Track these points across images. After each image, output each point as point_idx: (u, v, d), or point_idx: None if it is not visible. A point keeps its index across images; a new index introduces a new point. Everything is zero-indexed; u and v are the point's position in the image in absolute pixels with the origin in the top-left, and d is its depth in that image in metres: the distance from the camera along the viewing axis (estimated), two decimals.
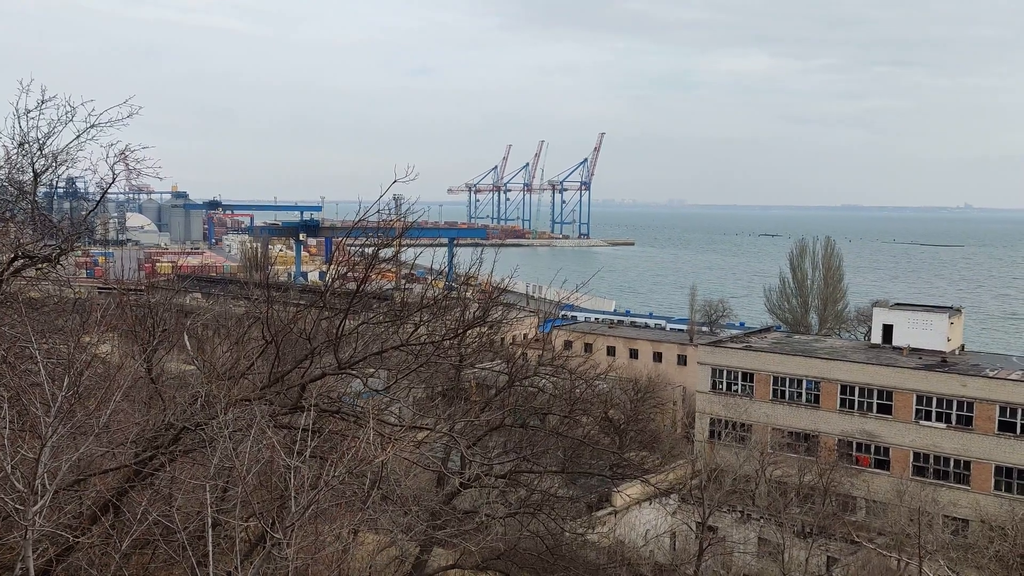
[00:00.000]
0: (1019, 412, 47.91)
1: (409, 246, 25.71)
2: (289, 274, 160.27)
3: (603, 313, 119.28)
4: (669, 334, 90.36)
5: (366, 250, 18.39)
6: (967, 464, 49.34)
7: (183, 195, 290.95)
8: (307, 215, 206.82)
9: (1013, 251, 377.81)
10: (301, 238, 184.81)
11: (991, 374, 50.65)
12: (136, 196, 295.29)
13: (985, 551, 33.09)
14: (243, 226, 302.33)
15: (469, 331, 23.27)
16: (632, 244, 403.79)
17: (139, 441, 14.37)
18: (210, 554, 10.97)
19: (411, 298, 23.36)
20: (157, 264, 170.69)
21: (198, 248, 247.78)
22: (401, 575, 23.55)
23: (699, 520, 41.44)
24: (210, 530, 11.16)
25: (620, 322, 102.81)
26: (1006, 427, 48.23)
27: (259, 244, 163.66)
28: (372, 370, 18.44)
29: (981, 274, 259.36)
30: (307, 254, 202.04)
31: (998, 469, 48.48)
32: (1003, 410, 48.40)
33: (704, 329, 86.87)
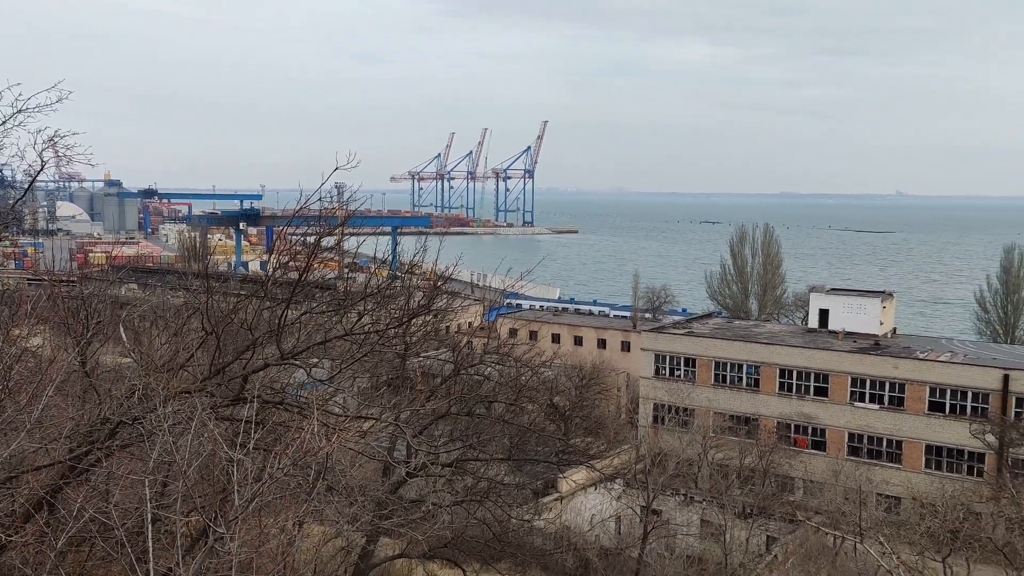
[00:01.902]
0: (948, 393, 49.71)
1: (352, 235, 25.39)
2: (229, 264, 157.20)
3: (548, 301, 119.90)
4: (613, 321, 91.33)
5: (308, 239, 18.12)
6: (899, 444, 51.04)
7: (116, 183, 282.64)
8: (247, 204, 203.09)
9: (941, 237, 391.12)
10: (241, 227, 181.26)
11: (921, 356, 52.41)
12: (67, 184, 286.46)
13: (917, 527, 34.29)
14: (180, 215, 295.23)
15: (414, 320, 23.14)
16: (576, 232, 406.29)
17: (74, 436, 13.94)
18: (150, 550, 10.71)
19: (355, 287, 23.12)
20: (90, 254, 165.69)
21: (133, 238, 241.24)
22: (348, 566, 23.39)
23: (643, 504, 42.08)
24: (150, 526, 10.90)
25: (565, 310, 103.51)
26: (935, 407, 49.99)
27: (197, 233, 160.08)
28: (316, 360, 18.21)
29: (911, 260, 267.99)
30: (248, 243, 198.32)
31: (928, 448, 50.27)
32: (932, 391, 50.14)
33: (647, 316, 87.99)
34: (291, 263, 18.33)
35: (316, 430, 13.59)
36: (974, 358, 52.76)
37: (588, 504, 48.72)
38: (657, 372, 59.23)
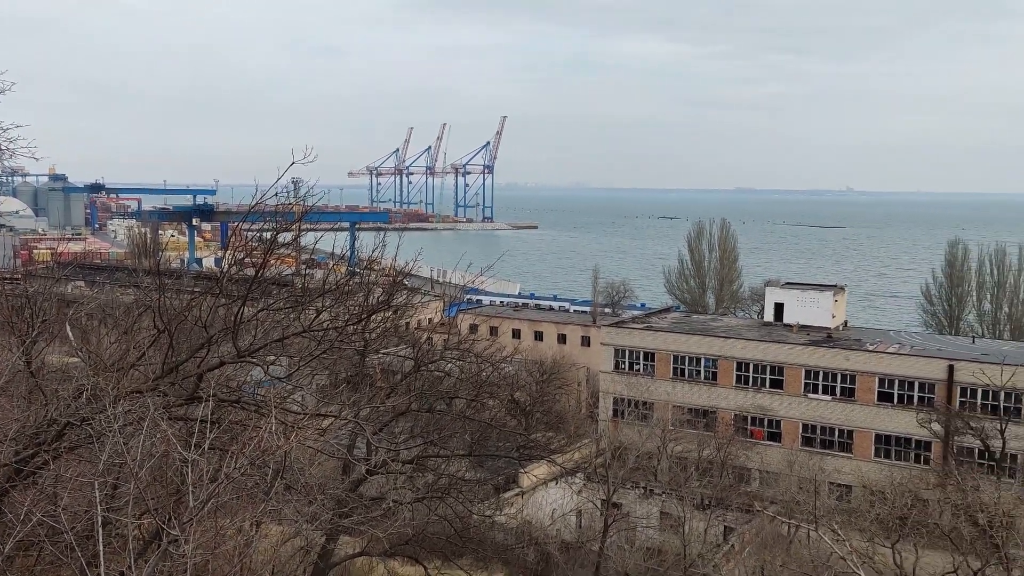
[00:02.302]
0: (896, 383, 50.86)
1: (309, 230, 25.12)
2: (182, 261, 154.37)
3: (508, 296, 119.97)
4: (573, 316, 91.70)
5: (264, 235, 17.82)
6: (850, 433, 52.10)
7: (62, 177, 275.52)
8: (200, 199, 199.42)
9: (890, 232, 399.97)
10: (194, 223, 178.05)
11: (871, 348, 53.54)
12: (9, 178, 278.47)
13: (867, 515, 35.00)
14: (130, 210, 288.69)
15: (373, 316, 22.94)
16: (535, 227, 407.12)
17: (19, 438, 13.52)
18: (100, 554, 10.44)
19: (313, 283, 22.83)
20: (34, 251, 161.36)
21: (80, 234, 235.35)
22: (307, 565, 23.12)
23: (604, 497, 42.33)
24: (100, 529, 10.62)
25: (525, 305, 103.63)
26: (884, 397, 51.13)
27: (148, 229, 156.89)
28: (273, 357, 17.92)
29: (861, 254, 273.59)
30: (201, 240, 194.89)
31: (878, 437, 51.40)
32: (882, 381, 51.27)
33: (607, 310, 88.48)
34: (247, 259, 18.01)
35: (274, 428, 13.37)
36: (921, 349, 54.03)
37: (549, 498, 48.88)
38: (617, 366, 59.60)
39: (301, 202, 20.29)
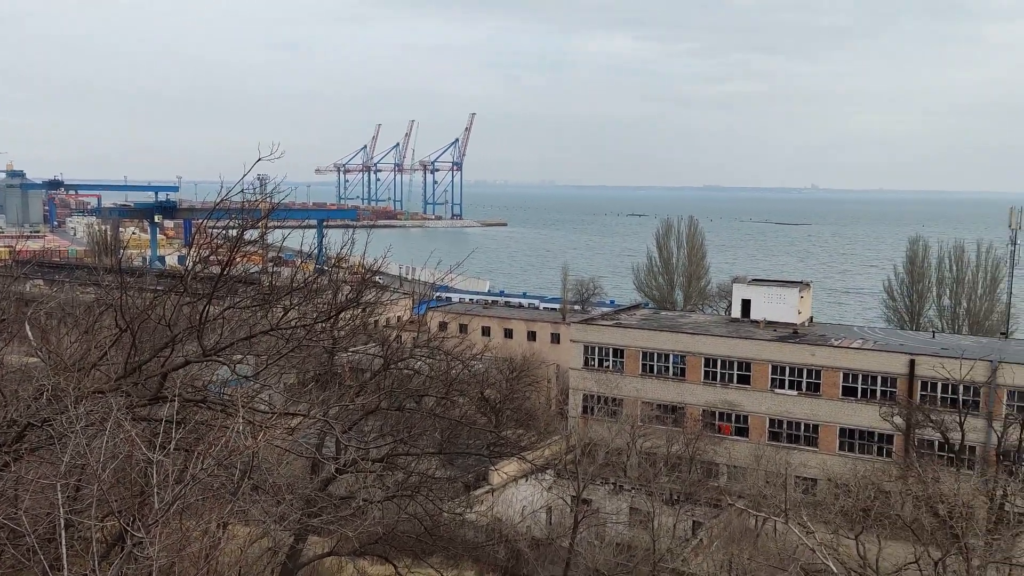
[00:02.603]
0: (859, 378, 51.67)
1: (276, 228, 24.88)
2: (144, 258, 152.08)
3: (477, 294, 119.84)
4: (542, 313, 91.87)
5: (230, 232, 17.61)
6: (815, 427, 52.84)
7: (19, 174, 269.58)
8: (163, 196, 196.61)
9: (854, 229, 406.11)
10: (157, 220, 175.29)
11: (836, 344, 54.33)
12: None
13: (832, 507, 35.52)
14: (90, 207, 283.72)
15: (342, 314, 22.79)
16: (505, 224, 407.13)
17: None
18: (63, 556, 10.26)
19: (280, 281, 22.60)
20: None
21: (38, 231, 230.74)
22: (275, 566, 22.92)
23: (574, 494, 42.49)
24: (63, 532, 10.43)
25: (495, 302, 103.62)
26: (848, 392, 51.93)
27: (108, 226, 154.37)
28: (240, 356, 17.72)
29: (825, 251, 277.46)
30: (164, 237, 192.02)
31: (842, 431, 52.19)
32: (846, 376, 52.06)
33: (576, 307, 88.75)
34: (212, 257, 17.78)
35: (241, 428, 13.23)
36: (883, 344, 54.94)
37: (519, 495, 48.96)
38: (586, 363, 59.84)
39: (267, 199, 20.08)
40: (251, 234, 17.85)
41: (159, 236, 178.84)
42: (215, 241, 18.84)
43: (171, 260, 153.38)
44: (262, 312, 17.95)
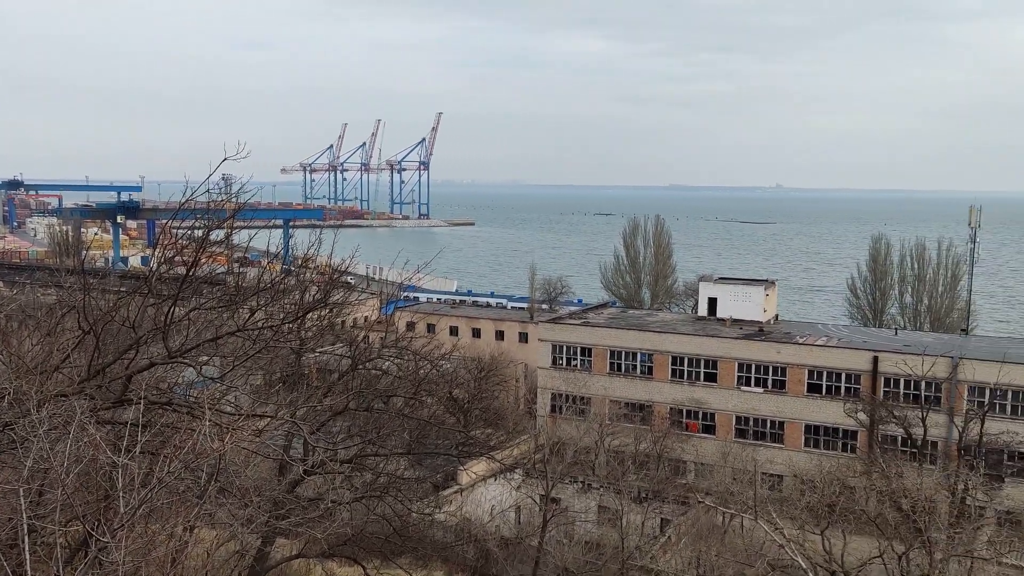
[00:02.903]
0: (824, 375, 52.44)
1: (242, 228, 24.62)
2: (107, 259, 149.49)
3: (445, 293, 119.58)
4: (510, 312, 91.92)
5: (195, 232, 17.40)
6: (781, 424, 53.52)
7: None
8: (126, 195, 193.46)
9: (818, 228, 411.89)
10: (120, 220, 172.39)
11: (801, 341, 55.06)
12: None
13: (798, 503, 36.02)
14: (50, 208, 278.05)
15: (309, 314, 22.62)
16: (472, 224, 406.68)
17: None
18: (26, 562, 10.07)
19: (246, 282, 22.35)
20: None
21: None
22: (242, 569, 22.67)
23: (543, 493, 42.56)
24: (26, 537, 10.23)
25: (462, 302, 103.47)
26: (814, 389, 52.66)
27: (70, 227, 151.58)
28: (206, 358, 17.52)
29: (790, 249, 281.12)
30: (127, 238, 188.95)
31: (807, 427, 52.92)
32: (811, 373, 52.80)
33: (544, 307, 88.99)
34: (177, 257, 17.56)
35: (208, 430, 13.08)
36: (847, 342, 55.79)
37: (488, 495, 48.96)
38: (554, 362, 60.00)
39: (233, 199, 19.87)
40: (217, 234, 17.63)
41: (122, 237, 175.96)
42: (180, 242, 18.61)
43: (135, 261, 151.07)
44: (228, 313, 17.76)
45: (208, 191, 16.52)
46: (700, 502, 39.41)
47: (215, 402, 15.85)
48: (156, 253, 18.67)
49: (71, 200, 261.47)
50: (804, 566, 24.82)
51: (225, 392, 18.88)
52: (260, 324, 17.07)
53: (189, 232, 18.21)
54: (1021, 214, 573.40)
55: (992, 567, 29.03)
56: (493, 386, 63.49)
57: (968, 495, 40.70)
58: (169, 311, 15.47)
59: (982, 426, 45.06)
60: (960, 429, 45.95)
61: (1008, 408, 47.69)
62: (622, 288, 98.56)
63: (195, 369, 16.34)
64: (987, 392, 47.03)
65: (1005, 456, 46.83)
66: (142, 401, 13.53)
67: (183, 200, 16.23)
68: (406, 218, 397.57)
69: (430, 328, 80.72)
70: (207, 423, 12.93)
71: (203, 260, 16.78)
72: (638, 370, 57.56)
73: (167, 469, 11.63)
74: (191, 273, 15.84)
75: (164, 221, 21.05)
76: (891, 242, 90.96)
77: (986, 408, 46.18)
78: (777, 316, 64.86)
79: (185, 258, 16.40)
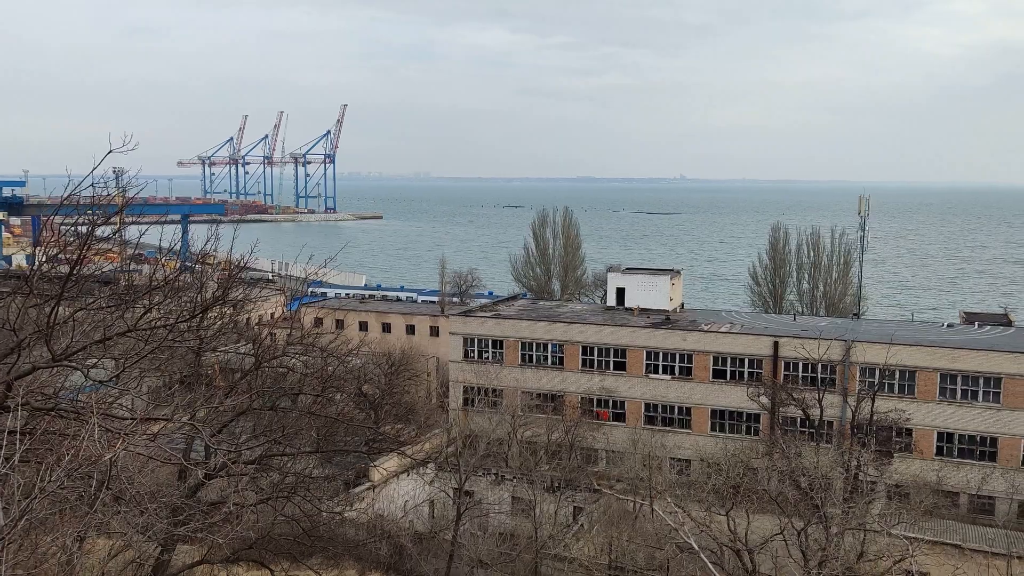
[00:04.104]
0: (728, 360, 54.08)
1: (132, 223, 23.50)
2: None
3: (354, 288, 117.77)
4: (421, 306, 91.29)
5: (81, 229, 16.50)
6: (688, 410, 54.93)
7: None
8: (8, 191, 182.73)
9: (720, 218, 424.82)
10: (2, 217, 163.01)
11: (706, 328, 56.58)
12: None
13: (704, 486, 37.05)
14: None
15: (208, 312, 21.80)
16: (380, 217, 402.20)
17: None
18: None
19: (140, 280, 21.39)
20: None
21: None
22: None
23: (456, 486, 42.47)
24: None
25: (372, 296, 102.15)
26: (718, 374, 54.23)
27: None
28: (94, 360, 16.63)
29: (693, 239, 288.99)
30: (10, 235, 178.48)
31: (713, 412, 54.48)
32: (716, 359, 54.34)
33: (455, 300, 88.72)
34: (61, 255, 16.65)
35: (96, 436, 12.40)
36: (749, 328, 57.64)
37: (401, 491, 48.52)
38: (466, 355, 59.89)
39: (122, 193, 18.94)
40: (105, 231, 16.76)
41: (5, 234, 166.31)
42: (65, 239, 17.64)
43: (18, 260, 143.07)
44: (119, 313, 16.92)
45: (92, 185, 15.68)
46: (597, 489, 40.08)
47: (106, 406, 15.09)
48: (39, 251, 17.63)
49: None
50: (695, 547, 25.65)
51: (118, 396, 18.00)
52: (153, 323, 16.31)
53: (74, 228, 17.27)
54: (907, 203, 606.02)
55: (883, 539, 30.52)
56: (404, 381, 62.93)
57: (860, 471, 42.67)
58: (52, 312, 14.62)
59: (872, 405, 47.28)
60: (853, 408, 48.12)
61: (896, 387, 50.25)
62: (532, 280, 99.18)
63: (82, 372, 15.50)
64: (877, 372, 49.42)
65: (893, 433, 49.33)
66: (23, 408, 12.72)
67: (65, 195, 15.35)
68: (312, 212, 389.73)
69: (339, 324, 79.40)
70: (95, 428, 12.26)
71: (93, 258, 15.92)
72: (549, 361, 58.04)
73: (50, 478, 10.96)
74: (75, 271, 14.99)
75: (47, 217, 19.89)
76: (789, 231, 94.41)
77: (876, 388, 48.51)
78: (683, 305, 66.46)
79: (68, 255, 15.52)
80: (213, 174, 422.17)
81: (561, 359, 57.65)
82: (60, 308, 15.29)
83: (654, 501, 32.05)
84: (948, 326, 61.61)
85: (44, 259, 16.26)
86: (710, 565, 26.78)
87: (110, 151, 14.74)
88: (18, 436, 11.37)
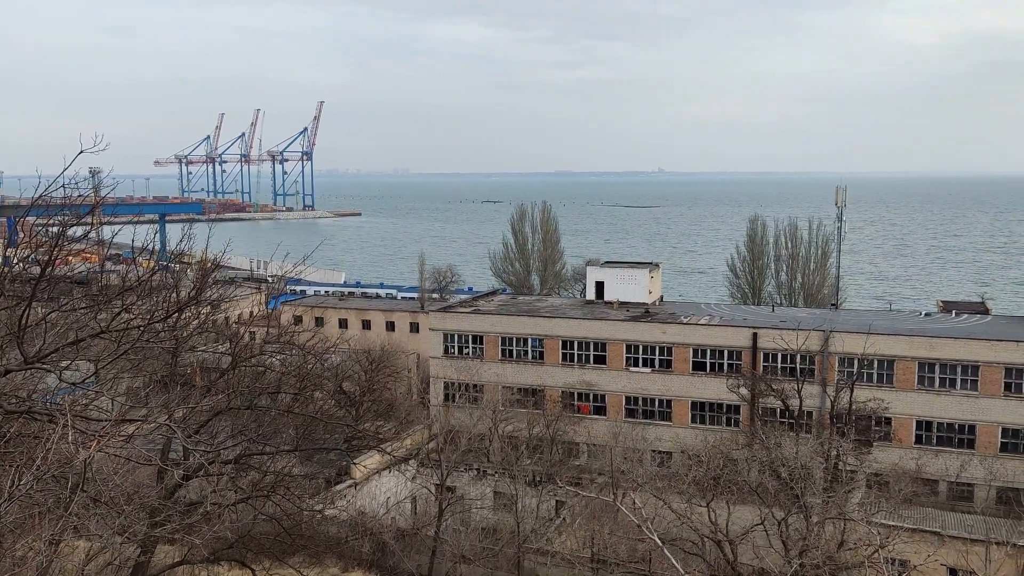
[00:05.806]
0: (708, 352, 54.36)
1: (109, 223, 23.25)
2: None
3: (333, 286, 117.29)
4: (401, 303, 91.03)
5: (54, 229, 16.29)
6: (669, 403, 55.18)
7: None
8: None
9: (698, 210, 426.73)
10: None
11: (685, 321, 56.87)
12: None
13: (685, 478, 37.25)
14: None
15: (184, 312, 21.60)
16: (359, 214, 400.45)
17: None
18: None
19: (113, 280, 21.13)
20: None
21: None
22: None
23: (438, 482, 42.43)
24: None
25: (351, 294, 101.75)
26: (698, 367, 54.50)
27: None
28: (68, 362, 16.43)
29: (672, 232, 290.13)
30: None
31: (693, 404, 54.77)
32: (695, 352, 54.60)
33: (435, 296, 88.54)
34: (34, 256, 16.43)
35: (71, 438, 12.26)
36: (728, 320, 57.98)
37: (383, 488, 48.41)
38: (446, 351, 59.81)
39: (97, 192, 18.70)
40: (77, 231, 16.56)
41: None
42: (38, 239, 17.42)
43: None
44: (93, 313, 16.72)
45: (65, 185, 15.48)
46: (571, 488, 40.14)
47: (81, 408, 14.92)
48: (12, 252, 17.38)
49: None
50: (658, 543, 25.91)
51: (94, 398, 17.81)
52: (127, 324, 16.13)
53: (47, 229, 17.05)
54: (883, 193, 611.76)
55: (863, 527, 30.84)
56: (385, 378, 62.71)
57: (840, 461, 43.07)
58: (24, 313, 14.42)
59: (851, 394, 47.72)
60: (832, 398, 48.55)
61: (875, 376, 50.73)
62: (512, 275, 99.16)
63: (56, 375, 15.31)
64: (855, 362, 49.87)
65: (872, 422, 49.83)
66: None
67: (36, 195, 15.15)
68: (290, 210, 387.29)
69: (318, 321, 79.03)
70: (69, 430, 12.11)
71: (69, 258, 15.73)
72: (530, 355, 58.09)
73: (20, 481, 10.81)
74: (47, 272, 14.79)
75: (20, 218, 19.63)
76: (767, 223, 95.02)
77: (855, 377, 48.96)
78: (662, 297, 66.71)
79: (39, 256, 15.32)
80: (191, 173, 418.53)
81: (541, 354, 57.71)
82: (33, 310, 15.09)
83: (627, 496, 32.21)
84: (926, 315, 62.35)
85: (16, 260, 16.04)
86: (673, 560, 26.97)
87: (81, 151, 14.58)
88: None
